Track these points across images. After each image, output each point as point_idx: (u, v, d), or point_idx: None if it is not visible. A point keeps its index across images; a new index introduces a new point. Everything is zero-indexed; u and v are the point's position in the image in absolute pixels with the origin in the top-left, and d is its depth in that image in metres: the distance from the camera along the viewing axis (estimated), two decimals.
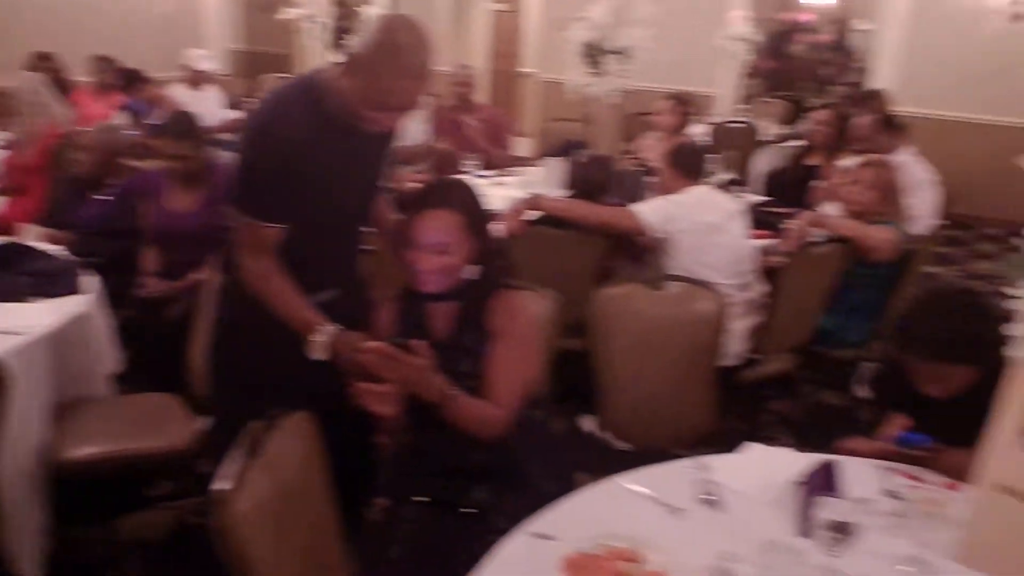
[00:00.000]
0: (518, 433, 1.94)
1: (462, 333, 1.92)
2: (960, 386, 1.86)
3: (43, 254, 2.78)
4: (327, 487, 1.75)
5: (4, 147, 4.86)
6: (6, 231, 3.63)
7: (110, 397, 2.68)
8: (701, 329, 2.54)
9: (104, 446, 2.39)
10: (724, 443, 2.00)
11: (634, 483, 1.73)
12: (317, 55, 8.18)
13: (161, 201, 3.27)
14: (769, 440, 3.39)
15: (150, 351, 3.07)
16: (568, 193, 3.44)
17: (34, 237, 3.25)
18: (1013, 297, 1.15)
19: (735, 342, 3.02)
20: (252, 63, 9.09)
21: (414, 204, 1.90)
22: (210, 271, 3.18)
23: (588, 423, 2.63)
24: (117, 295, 3.07)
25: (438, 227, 1.84)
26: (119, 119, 5.40)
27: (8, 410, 1.96)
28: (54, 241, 3.21)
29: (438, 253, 1.84)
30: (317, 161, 1.86)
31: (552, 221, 3.15)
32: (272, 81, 7.66)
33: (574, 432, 3.22)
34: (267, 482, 1.48)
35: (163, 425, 2.49)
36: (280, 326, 1.93)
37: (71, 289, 2.60)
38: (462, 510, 1.88)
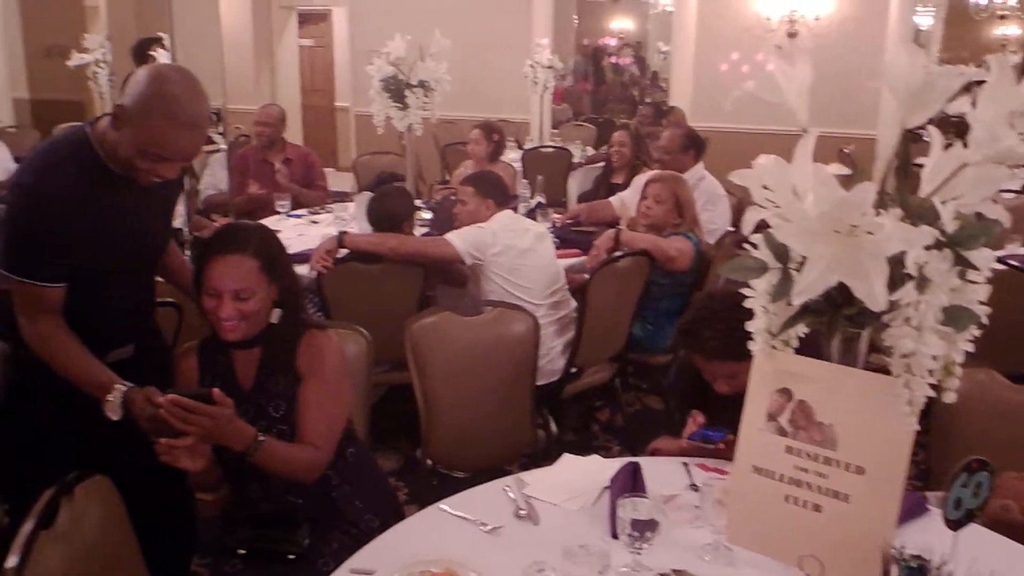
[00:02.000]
0: (336, 472, 1.94)
1: (269, 379, 1.90)
2: (746, 380, 2.02)
3: None
4: (136, 552, 1.68)
5: None
6: None
7: None
8: (517, 350, 2.62)
9: None
10: (555, 457, 2.07)
11: (453, 507, 1.76)
12: (110, 103, 7.82)
13: None
14: (599, 449, 3.57)
15: None
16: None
17: None
18: (747, 296, 1.28)
19: (555, 359, 3.14)
20: (43, 112, 8.53)
21: (207, 250, 1.87)
22: None
23: (420, 454, 2.65)
24: None
25: (234, 272, 1.81)
26: None
27: None
28: None
29: (237, 299, 1.81)
30: (91, 216, 1.80)
31: (363, 256, 3.15)
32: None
33: (410, 467, 3.23)
34: (62, 553, 1.41)
35: None
36: (72, 389, 1.84)
37: None
38: (289, 556, 1.85)
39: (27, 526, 1.37)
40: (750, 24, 7.64)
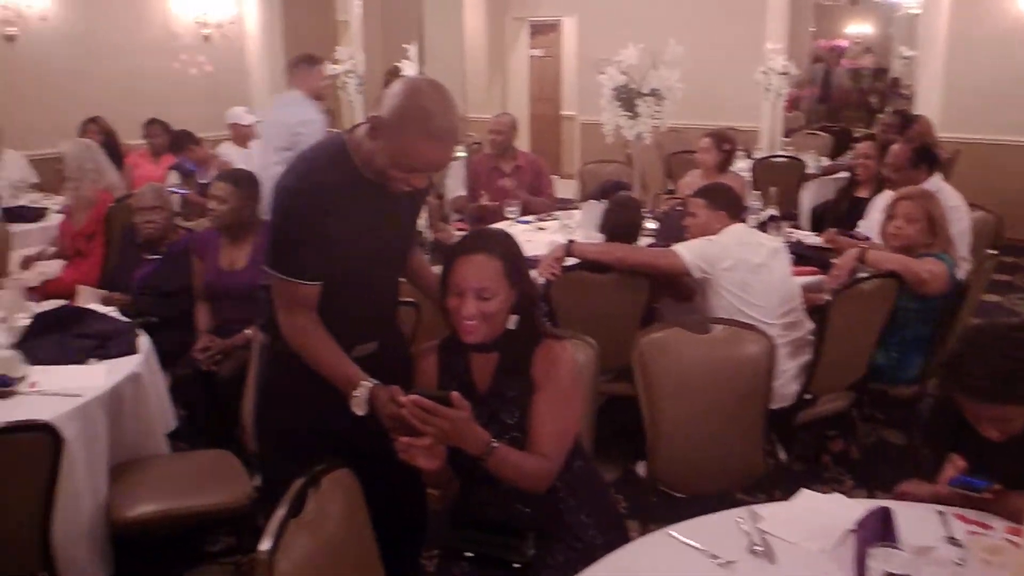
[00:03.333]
0: (564, 484, 1.94)
1: (504, 384, 1.93)
2: (1020, 426, 1.80)
3: (100, 316, 2.86)
4: (372, 543, 1.76)
5: (58, 212, 5.07)
6: (63, 295, 3.76)
7: (166, 455, 2.73)
8: (748, 371, 2.50)
9: (161, 504, 2.42)
10: (782, 486, 1.96)
11: (683, 534, 1.70)
12: (359, 110, 8.42)
13: (213, 259, 3.36)
14: (831, 482, 3.34)
15: (204, 408, 3.14)
16: (602, 236, 3.45)
17: (89, 299, 3.35)
18: None
19: (787, 383, 2.97)
20: None
21: (454, 250, 1.93)
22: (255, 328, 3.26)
23: (641, 468, 2.60)
24: (172, 353, 3.16)
25: (478, 272, 1.86)
26: (171, 179, 5.59)
27: (61, 472, 1.99)
28: (109, 302, 3.31)
29: (479, 298, 1.85)
30: (347, 219, 1.90)
31: (591, 266, 3.15)
32: None
33: (627, 478, 3.19)
34: (308, 541, 1.49)
35: (220, 482, 2.52)
36: (321, 382, 1.95)
37: (128, 350, 2.67)
38: (515, 565, 1.86)
39: (279, 513, 1.46)
40: (1009, 26, 6.90)
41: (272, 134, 4.63)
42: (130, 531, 2.39)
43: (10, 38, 6.41)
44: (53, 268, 4.37)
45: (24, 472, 1.81)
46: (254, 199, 3.34)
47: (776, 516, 1.77)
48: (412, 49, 5.45)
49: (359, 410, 1.88)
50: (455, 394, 1.72)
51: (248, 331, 3.25)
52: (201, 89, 7.65)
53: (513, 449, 1.83)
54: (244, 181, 3.35)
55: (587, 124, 8.65)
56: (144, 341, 2.78)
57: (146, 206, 3.55)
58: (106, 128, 5.91)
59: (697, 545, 1.65)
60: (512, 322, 1.92)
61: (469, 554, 1.91)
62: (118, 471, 2.49)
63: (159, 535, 2.51)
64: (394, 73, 5.25)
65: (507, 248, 1.93)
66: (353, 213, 1.91)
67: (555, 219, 4.56)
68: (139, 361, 2.65)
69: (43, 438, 1.81)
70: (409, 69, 5.27)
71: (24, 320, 2.74)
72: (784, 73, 7.09)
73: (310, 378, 1.96)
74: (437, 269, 2.06)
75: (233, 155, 5.93)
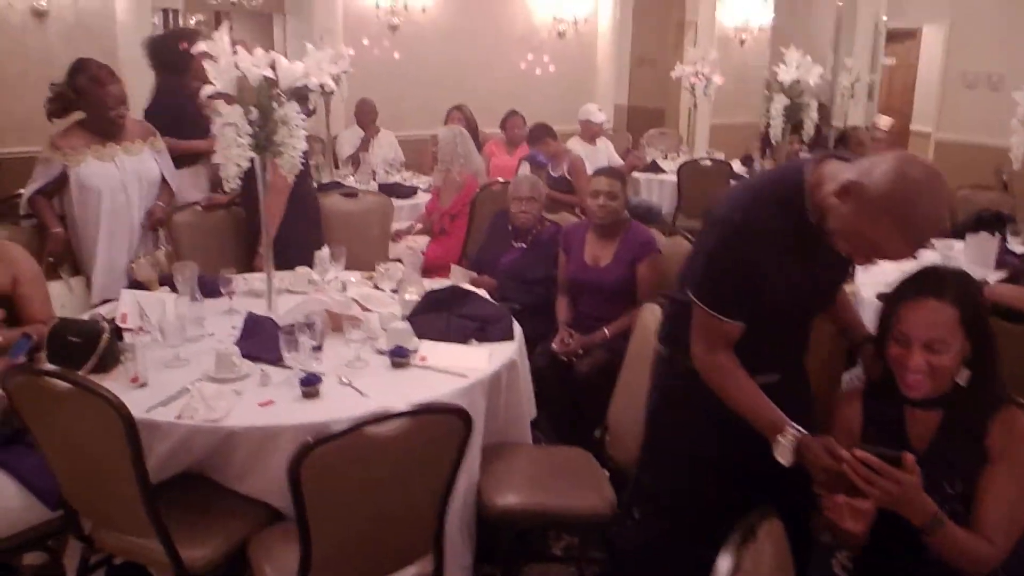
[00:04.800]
0: (1005, 573, 1.66)
1: (949, 448, 1.69)
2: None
3: (482, 300, 2.98)
4: None
5: (425, 191, 5.47)
6: (426, 269, 4.02)
7: (529, 445, 2.76)
8: None
9: (527, 498, 2.43)
10: None
11: None
12: (687, 110, 8.29)
13: (578, 253, 3.40)
14: None
15: (560, 402, 3.18)
16: (1001, 276, 3.01)
17: (460, 278, 3.53)
18: None
19: None
20: (632, 117, 9.40)
21: (901, 292, 1.71)
22: (614, 329, 3.24)
23: None
24: (530, 341, 3.22)
25: (929, 321, 1.64)
26: (522, 171, 5.81)
27: (468, 455, 2.05)
28: (477, 284, 3.46)
29: (928, 350, 1.63)
30: (787, 264, 1.76)
31: (1004, 312, 2.73)
32: (655, 136, 7.85)
33: None
34: None
35: (582, 484, 2.50)
36: (728, 412, 1.85)
37: (505, 335, 2.75)
38: None
39: (724, 565, 1.33)
40: None
41: None
42: (493, 518, 2.42)
43: (393, 27, 7.04)
44: (419, 244, 4.71)
45: (435, 452, 1.88)
46: (624, 194, 3.34)
47: None
48: (790, 53, 5.25)
49: (783, 458, 1.73)
50: (909, 456, 1.52)
51: (606, 329, 3.26)
52: (551, 84, 7.91)
53: (961, 529, 1.59)
54: (623, 178, 3.35)
55: (944, 143, 7.80)
56: (517, 328, 2.85)
57: (522, 196, 3.68)
58: (469, 116, 6.28)
59: None
60: (963, 377, 1.68)
61: None
62: (486, 456, 2.54)
63: (516, 525, 2.52)
64: None
65: (963, 291, 1.68)
66: (794, 258, 1.76)
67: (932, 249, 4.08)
68: (515, 348, 2.71)
69: (456, 421, 1.86)
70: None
71: (415, 295, 2.92)
72: None
73: (717, 405, 1.86)
74: None
75: (580, 151, 6.04)
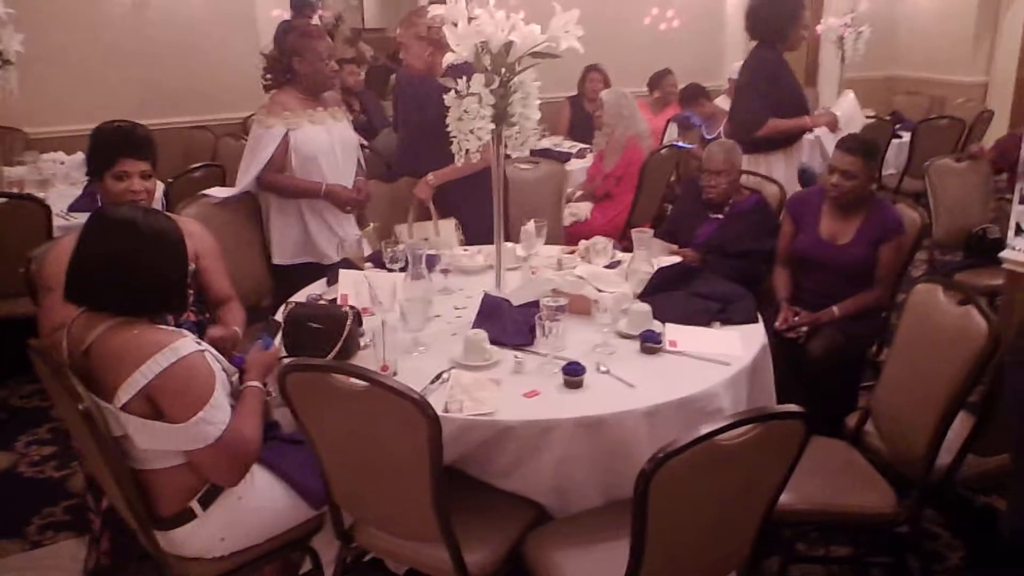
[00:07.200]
0: None
1: None
2: None
3: (712, 276, 2.78)
4: None
5: (578, 156, 5.26)
6: (589, 236, 3.82)
7: None
8: None
9: (806, 496, 2.20)
10: None
11: None
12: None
13: (812, 225, 3.15)
14: None
15: (793, 386, 2.97)
16: None
17: (658, 250, 3.32)
18: None
19: None
20: None
21: None
22: (844, 309, 2.98)
23: None
24: None
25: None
26: (671, 133, 5.56)
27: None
28: (679, 256, 3.25)
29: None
30: None
31: None
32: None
33: None
34: None
35: (856, 480, 2.30)
36: None
37: (749, 318, 2.55)
38: None
39: None
40: None
41: None
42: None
43: None
44: (583, 210, 4.52)
45: (775, 457, 1.69)
46: (876, 172, 3.06)
47: None
48: None
49: None
50: None
51: (835, 308, 3.03)
52: (684, 42, 7.54)
53: None
54: (872, 154, 3.05)
55: None
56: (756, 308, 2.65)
57: (714, 169, 3.41)
58: (605, 77, 6.03)
59: None
60: None
61: None
62: None
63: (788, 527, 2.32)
64: None
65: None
66: None
67: None
68: (762, 331, 2.51)
69: (798, 424, 1.66)
70: None
71: (647, 272, 2.73)
72: None
73: None
74: None
75: (725, 108, 5.75)
